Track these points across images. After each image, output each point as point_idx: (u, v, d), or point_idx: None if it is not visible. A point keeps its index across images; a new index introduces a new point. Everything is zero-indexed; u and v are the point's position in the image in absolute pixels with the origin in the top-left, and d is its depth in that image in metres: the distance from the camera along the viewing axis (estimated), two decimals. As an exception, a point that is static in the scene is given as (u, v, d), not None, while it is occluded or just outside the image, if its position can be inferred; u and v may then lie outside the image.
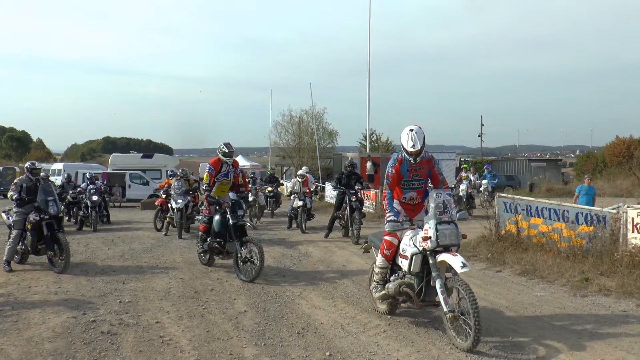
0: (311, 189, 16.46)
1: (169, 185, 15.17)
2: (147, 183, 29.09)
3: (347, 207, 13.19)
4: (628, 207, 8.35)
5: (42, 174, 15.82)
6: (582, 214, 9.18)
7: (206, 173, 9.48)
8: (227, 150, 9.59)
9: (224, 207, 9.05)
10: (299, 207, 15.26)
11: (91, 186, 16.34)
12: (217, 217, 9.10)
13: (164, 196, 15.32)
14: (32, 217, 8.99)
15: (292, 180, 17.15)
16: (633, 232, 8.13)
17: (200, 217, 9.83)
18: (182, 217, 14.04)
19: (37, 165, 9.83)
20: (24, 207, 9.14)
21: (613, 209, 8.69)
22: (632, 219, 8.15)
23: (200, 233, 9.59)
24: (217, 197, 9.37)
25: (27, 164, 9.78)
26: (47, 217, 9.03)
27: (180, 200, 14.16)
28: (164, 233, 14.54)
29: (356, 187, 13.62)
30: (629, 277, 7.35)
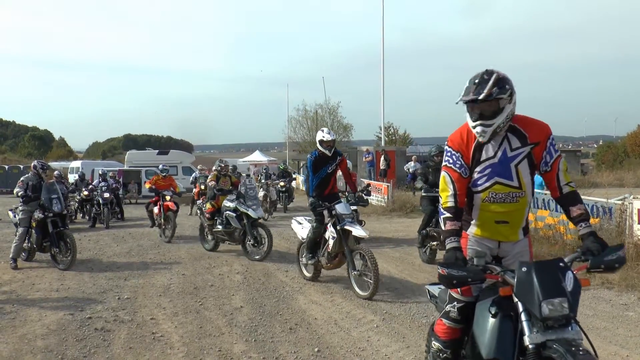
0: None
1: (204, 182, 11.80)
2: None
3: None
4: (634, 198, 8.17)
5: (55, 172, 16.19)
6: (588, 205, 9.01)
7: (443, 174, 3.42)
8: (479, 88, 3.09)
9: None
10: None
11: (102, 183, 16.52)
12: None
13: (168, 198, 12.91)
14: (37, 214, 9.13)
15: None
16: (639, 223, 7.95)
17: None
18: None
19: (48, 166, 9.95)
20: (29, 205, 9.26)
21: (619, 200, 8.50)
22: (638, 210, 7.98)
23: None
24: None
25: (34, 163, 9.86)
26: (51, 214, 9.14)
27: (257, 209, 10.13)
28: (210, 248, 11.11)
29: None
30: (633, 269, 7.20)
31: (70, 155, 74.50)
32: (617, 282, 7.09)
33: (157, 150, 35.17)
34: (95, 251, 11.16)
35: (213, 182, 11.00)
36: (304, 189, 32.29)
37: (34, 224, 9.19)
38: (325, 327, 5.87)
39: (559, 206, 9.07)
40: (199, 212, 11.68)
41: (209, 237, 11.01)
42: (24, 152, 73.11)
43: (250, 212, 9.96)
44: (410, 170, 24.39)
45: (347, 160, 8.32)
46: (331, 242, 7.52)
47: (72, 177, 27.98)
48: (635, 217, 7.99)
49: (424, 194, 9.26)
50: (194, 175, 20.92)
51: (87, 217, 17.30)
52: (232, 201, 10.30)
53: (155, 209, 13.11)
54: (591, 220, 9.48)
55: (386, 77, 25.91)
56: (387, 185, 19.66)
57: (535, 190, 11.50)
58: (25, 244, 9.39)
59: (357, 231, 7.20)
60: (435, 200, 8.69)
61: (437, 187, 8.64)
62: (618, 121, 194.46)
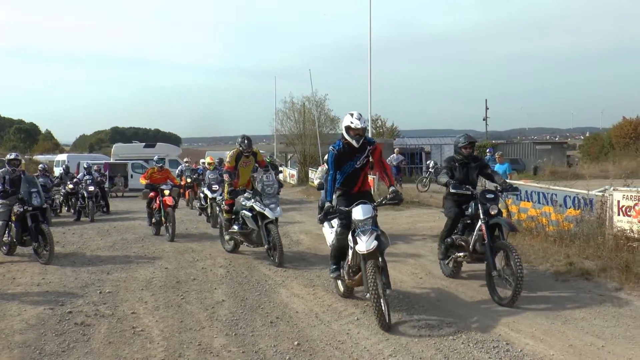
0: None
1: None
2: (149, 172, 29.17)
3: (482, 226, 6.66)
4: (614, 189, 8.24)
5: (40, 166, 16.10)
6: (569, 197, 9.08)
7: None
8: None
9: None
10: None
11: (87, 177, 16.42)
12: None
13: (167, 193, 12.07)
14: (16, 208, 9.06)
15: (320, 169, 14.07)
16: (619, 215, 8.02)
17: None
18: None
19: (14, 156, 9.87)
20: (9, 199, 9.20)
21: (599, 191, 8.58)
22: (618, 201, 8.05)
23: None
24: None
25: (7, 156, 9.83)
26: (30, 208, 9.07)
27: None
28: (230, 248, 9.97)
29: (492, 186, 7.40)
30: (612, 261, 7.26)
31: (56, 148, 73.90)
32: (595, 274, 7.15)
33: (144, 143, 35.03)
34: (79, 245, 11.09)
35: (228, 177, 9.56)
36: (292, 182, 32.24)
37: (13, 218, 9.12)
38: (306, 320, 5.88)
39: (540, 198, 8.86)
40: (217, 208, 11.09)
41: (227, 236, 9.83)
42: (8, 146, 72.32)
43: (267, 212, 8.73)
44: (394, 163, 24.43)
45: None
46: (350, 252, 6.06)
47: (57, 171, 27.80)
48: (616, 209, 8.06)
49: (452, 190, 6.98)
50: (180, 168, 20.85)
51: (72, 211, 17.21)
52: (248, 199, 9.11)
53: (154, 204, 12.55)
54: (572, 212, 9.47)
55: (374, 69, 25.94)
56: (374, 178, 19.67)
57: (516, 183, 11.64)
58: (5, 238, 9.33)
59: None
60: (462, 201, 7.11)
61: (465, 184, 7.06)
62: (605, 113, 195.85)
